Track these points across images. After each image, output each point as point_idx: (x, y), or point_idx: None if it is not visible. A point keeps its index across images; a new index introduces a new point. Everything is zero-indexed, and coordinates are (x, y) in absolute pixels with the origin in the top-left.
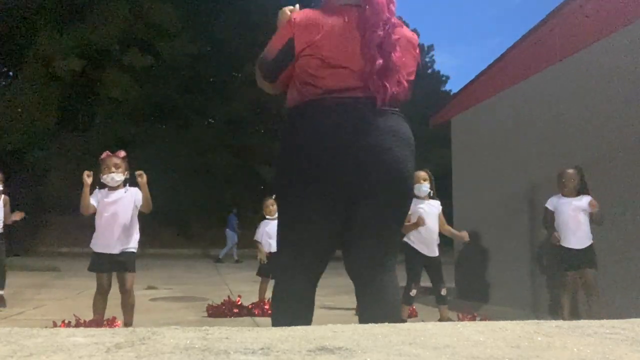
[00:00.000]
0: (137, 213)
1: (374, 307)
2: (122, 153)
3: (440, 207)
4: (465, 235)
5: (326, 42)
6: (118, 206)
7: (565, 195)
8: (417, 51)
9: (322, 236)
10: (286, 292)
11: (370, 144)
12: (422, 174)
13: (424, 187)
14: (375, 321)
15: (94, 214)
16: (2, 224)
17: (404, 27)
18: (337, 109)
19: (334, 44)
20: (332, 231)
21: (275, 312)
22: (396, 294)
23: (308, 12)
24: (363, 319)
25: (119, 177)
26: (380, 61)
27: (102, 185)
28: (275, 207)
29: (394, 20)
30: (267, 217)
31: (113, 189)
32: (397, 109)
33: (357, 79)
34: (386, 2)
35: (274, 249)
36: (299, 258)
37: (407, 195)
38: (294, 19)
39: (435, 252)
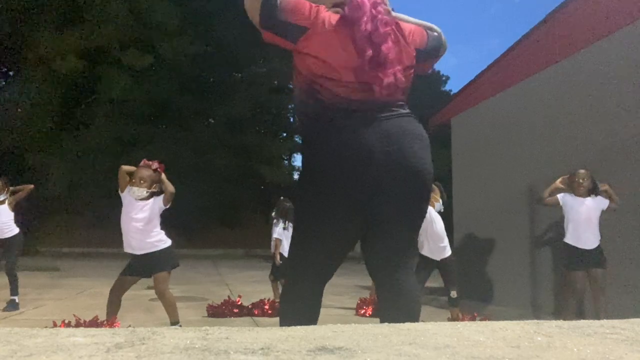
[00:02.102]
0: (157, 221)
1: (394, 308)
2: (155, 165)
3: (440, 209)
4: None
5: (327, 46)
6: (138, 214)
7: (578, 195)
8: (419, 43)
9: (338, 244)
10: (296, 296)
11: (395, 148)
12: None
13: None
14: (396, 321)
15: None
16: (15, 228)
17: (402, 24)
18: (356, 117)
19: (334, 48)
20: (348, 239)
21: (284, 314)
22: (416, 294)
23: (331, 16)
24: (384, 319)
25: (140, 192)
26: (370, 52)
27: None
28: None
29: (382, 16)
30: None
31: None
32: (409, 112)
33: (356, 78)
34: (372, 2)
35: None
36: (314, 264)
37: (427, 197)
38: (323, 14)
39: (441, 255)
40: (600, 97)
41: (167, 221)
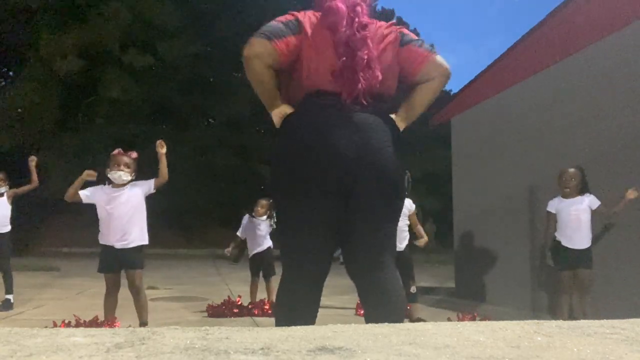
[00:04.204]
0: (143, 209)
1: (378, 306)
2: (134, 154)
3: (413, 206)
4: (422, 242)
5: (308, 47)
6: (121, 204)
7: (566, 196)
8: (397, 43)
9: (320, 236)
10: (290, 295)
11: (360, 142)
12: None
13: None
14: (382, 320)
15: (94, 209)
16: (9, 223)
17: (385, 24)
18: (325, 109)
19: (317, 46)
20: (329, 231)
21: (278, 314)
22: (399, 291)
23: (311, 16)
24: (369, 319)
25: (126, 176)
26: (344, 58)
27: (108, 181)
28: (264, 209)
29: (363, 19)
30: (255, 216)
31: (117, 186)
32: (384, 107)
33: (334, 78)
34: (350, 4)
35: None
36: (300, 259)
37: (399, 195)
38: (299, 14)
39: (400, 245)
40: (600, 97)
41: (167, 221)
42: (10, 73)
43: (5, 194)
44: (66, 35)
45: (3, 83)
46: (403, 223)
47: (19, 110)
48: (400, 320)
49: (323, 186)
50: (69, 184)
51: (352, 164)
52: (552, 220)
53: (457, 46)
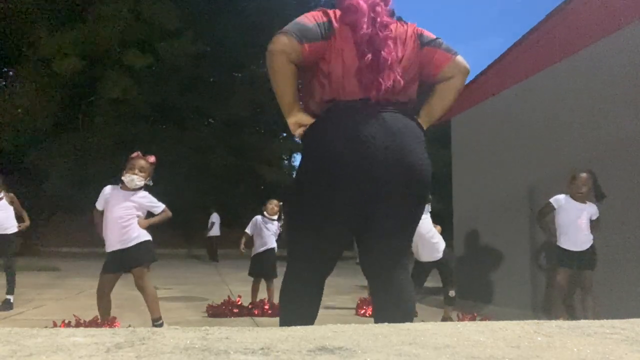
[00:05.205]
0: (143, 215)
1: (393, 306)
2: (152, 158)
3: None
4: None
5: (332, 48)
6: (124, 207)
7: (576, 199)
8: (417, 44)
9: (337, 241)
10: (295, 294)
11: (390, 146)
12: None
13: None
14: (393, 320)
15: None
16: (14, 225)
17: (404, 25)
18: (353, 112)
19: (342, 49)
20: (346, 236)
21: (284, 312)
22: (412, 293)
23: (338, 13)
24: (380, 318)
25: (139, 181)
26: (369, 56)
27: (121, 182)
28: (277, 209)
29: (384, 19)
30: (267, 215)
31: (127, 189)
32: (409, 109)
33: (357, 79)
34: (370, 4)
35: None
36: (312, 261)
37: (426, 196)
38: (331, 14)
39: (433, 257)
40: (600, 97)
41: (168, 221)
42: (10, 73)
43: (4, 198)
44: (66, 35)
45: (3, 83)
46: (427, 232)
47: (19, 110)
48: (410, 321)
49: (352, 189)
50: (69, 184)
51: (383, 168)
52: (547, 212)
53: (457, 46)
